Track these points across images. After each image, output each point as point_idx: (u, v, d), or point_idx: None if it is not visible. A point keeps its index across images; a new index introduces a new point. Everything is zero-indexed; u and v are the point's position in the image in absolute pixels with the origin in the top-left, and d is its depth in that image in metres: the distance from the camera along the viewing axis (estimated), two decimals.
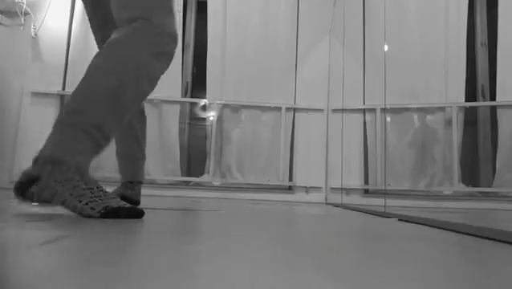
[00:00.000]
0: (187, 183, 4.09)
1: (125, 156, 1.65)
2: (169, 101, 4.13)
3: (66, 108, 1.09)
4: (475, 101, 3.94)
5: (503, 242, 0.82)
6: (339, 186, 3.90)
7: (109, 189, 1.12)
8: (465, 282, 0.45)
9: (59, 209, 1.06)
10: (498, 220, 1.91)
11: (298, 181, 4.03)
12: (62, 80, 4.17)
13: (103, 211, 1.02)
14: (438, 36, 3.93)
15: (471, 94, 3.95)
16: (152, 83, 1.20)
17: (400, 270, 0.50)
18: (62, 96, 4.14)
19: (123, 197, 1.52)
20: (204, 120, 4.23)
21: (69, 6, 4.28)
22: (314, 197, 4.00)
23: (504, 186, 3.57)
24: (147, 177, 4.04)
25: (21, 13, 4.10)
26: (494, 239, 0.86)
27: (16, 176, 1.07)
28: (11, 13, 4.13)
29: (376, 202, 3.55)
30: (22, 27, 4.14)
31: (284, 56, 4.22)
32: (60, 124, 1.07)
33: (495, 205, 3.59)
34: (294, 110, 4.15)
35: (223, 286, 0.38)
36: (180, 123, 4.18)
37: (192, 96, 4.36)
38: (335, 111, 4.09)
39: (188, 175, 4.20)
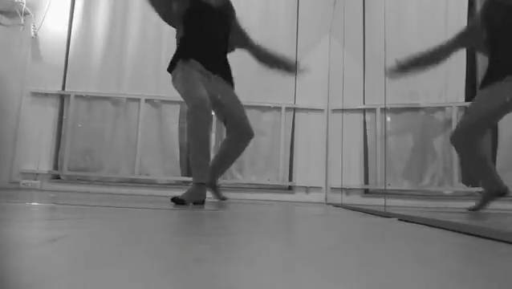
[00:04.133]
0: (187, 183, 4.08)
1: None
2: (169, 101, 4.13)
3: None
4: None
5: (503, 241, 0.82)
6: (339, 186, 3.90)
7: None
8: (465, 283, 0.45)
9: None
10: (498, 220, 1.91)
11: (298, 181, 4.03)
12: (62, 80, 4.17)
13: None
14: (438, 36, 3.92)
15: (471, 94, 3.94)
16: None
17: (400, 269, 0.50)
18: (62, 96, 4.14)
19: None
20: None
21: (69, 6, 4.27)
22: (314, 197, 4.00)
23: None
24: (147, 177, 4.06)
25: (21, 13, 4.10)
26: (494, 239, 0.86)
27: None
28: (11, 13, 4.13)
29: (376, 202, 3.54)
30: (21, 27, 4.14)
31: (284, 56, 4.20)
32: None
33: (495, 205, 3.58)
34: (294, 110, 4.14)
35: (223, 286, 0.37)
36: (180, 123, 4.18)
37: None
38: (334, 111, 4.09)
39: (189, 175, 4.19)
